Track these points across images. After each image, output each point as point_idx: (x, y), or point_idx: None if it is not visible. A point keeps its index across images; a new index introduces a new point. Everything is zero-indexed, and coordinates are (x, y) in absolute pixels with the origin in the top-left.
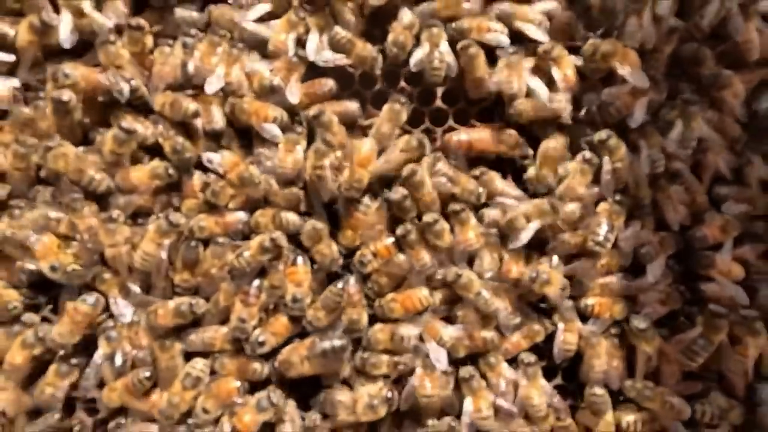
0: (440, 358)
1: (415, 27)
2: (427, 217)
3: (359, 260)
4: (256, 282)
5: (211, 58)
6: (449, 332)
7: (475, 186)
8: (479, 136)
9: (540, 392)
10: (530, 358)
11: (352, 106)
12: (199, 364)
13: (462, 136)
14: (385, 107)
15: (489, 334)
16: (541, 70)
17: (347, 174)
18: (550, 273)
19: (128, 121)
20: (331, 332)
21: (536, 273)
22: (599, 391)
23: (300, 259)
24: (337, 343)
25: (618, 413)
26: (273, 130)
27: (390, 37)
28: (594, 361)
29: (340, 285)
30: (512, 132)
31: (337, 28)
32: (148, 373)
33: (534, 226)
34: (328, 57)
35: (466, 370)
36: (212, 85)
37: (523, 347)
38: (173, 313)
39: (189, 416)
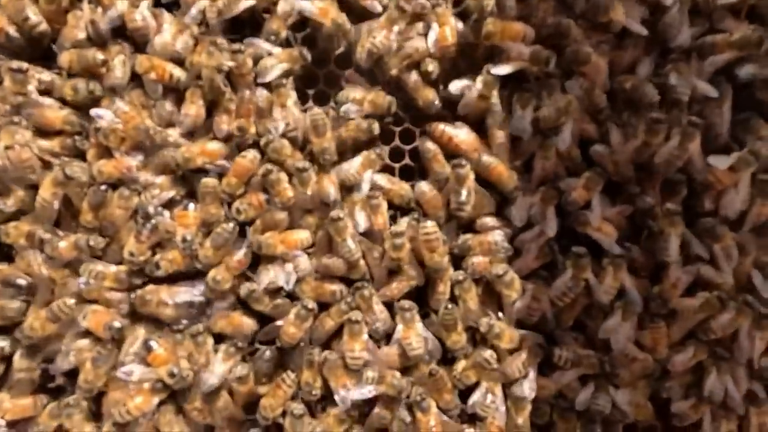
0: (289, 280)
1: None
2: (299, 164)
3: (236, 209)
4: (150, 223)
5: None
6: (305, 263)
7: (329, 145)
8: (465, 137)
9: (416, 334)
10: (406, 304)
11: None
12: (69, 302)
13: (448, 128)
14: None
15: (337, 287)
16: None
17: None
18: (404, 241)
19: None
20: (196, 287)
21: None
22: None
23: (191, 206)
24: (197, 298)
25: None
26: (154, 86)
27: None
28: (470, 303)
29: (231, 224)
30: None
31: None
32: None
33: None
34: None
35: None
36: None
37: (397, 295)
38: (72, 246)
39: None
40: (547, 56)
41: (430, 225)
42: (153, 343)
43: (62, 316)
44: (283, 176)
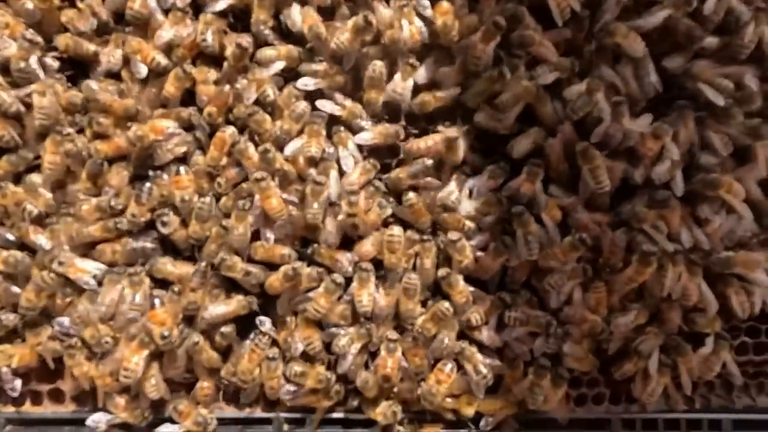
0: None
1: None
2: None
3: (218, 182)
4: (147, 185)
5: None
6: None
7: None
8: (433, 142)
9: (368, 293)
10: (364, 265)
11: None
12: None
13: (421, 144)
14: None
15: (287, 251)
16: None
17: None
18: (358, 199)
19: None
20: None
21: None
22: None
23: (183, 169)
24: (148, 245)
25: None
26: (138, 66)
27: None
28: (426, 262)
29: (207, 198)
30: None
31: None
32: None
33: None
34: None
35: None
36: None
37: (370, 256)
38: (95, 207)
39: None
40: None
41: (396, 230)
42: (157, 301)
43: (45, 287)
44: (250, 145)
